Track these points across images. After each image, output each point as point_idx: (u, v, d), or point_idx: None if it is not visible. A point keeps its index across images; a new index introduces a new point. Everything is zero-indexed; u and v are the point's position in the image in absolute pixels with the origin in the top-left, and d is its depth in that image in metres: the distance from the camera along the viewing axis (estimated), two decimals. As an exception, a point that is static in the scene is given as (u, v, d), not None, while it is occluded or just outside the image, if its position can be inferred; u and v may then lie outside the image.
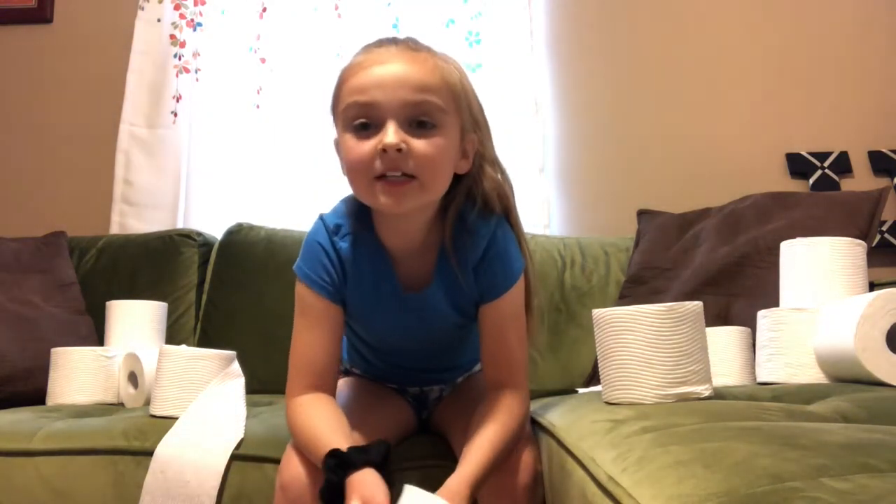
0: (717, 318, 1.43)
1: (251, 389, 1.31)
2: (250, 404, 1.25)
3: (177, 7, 2.21)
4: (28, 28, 2.34)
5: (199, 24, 2.20)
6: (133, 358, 1.44)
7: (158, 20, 2.20)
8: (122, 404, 1.48)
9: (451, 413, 1.13)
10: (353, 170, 0.93)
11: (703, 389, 0.82)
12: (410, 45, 0.95)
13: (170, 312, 1.74)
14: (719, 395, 0.86)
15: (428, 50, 0.96)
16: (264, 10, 2.18)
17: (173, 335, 1.79)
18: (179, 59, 2.19)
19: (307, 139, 2.10)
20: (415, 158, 0.90)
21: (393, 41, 0.95)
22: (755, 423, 0.65)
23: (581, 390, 1.38)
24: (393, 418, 1.13)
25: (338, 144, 0.98)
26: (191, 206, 2.16)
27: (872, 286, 1.21)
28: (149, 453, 1.11)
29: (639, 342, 0.82)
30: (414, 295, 1.02)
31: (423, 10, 2.14)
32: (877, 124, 2.08)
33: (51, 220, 2.09)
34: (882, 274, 1.59)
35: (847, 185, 2.03)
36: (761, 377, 1.17)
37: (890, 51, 2.11)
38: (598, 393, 0.91)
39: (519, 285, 1.01)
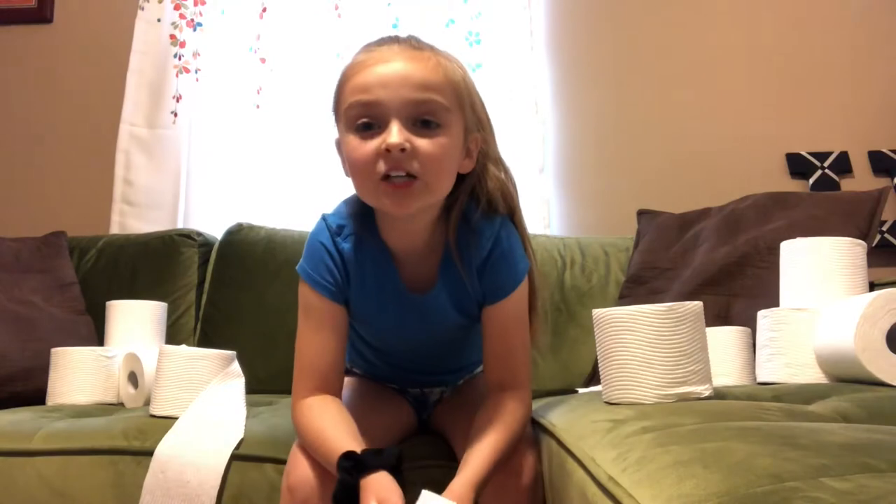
0: (717, 318, 1.43)
1: (251, 389, 1.31)
2: (250, 404, 1.25)
3: (177, 7, 2.21)
4: (28, 28, 2.34)
5: (199, 24, 2.20)
6: (133, 358, 1.44)
7: (158, 20, 2.20)
8: (122, 404, 1.48)
9: (452, 414, 1.13)
10: (357, 170, 0.92)
11: (703, 389, 0.82)
12: (413, 44, 0.94)
13: (170, 312, 1.74)
14: (719, 395, 0.86)
15: (431, 48, 0.95)
16: (264, 10, 2.18)
17: (173, 335, 1.79)
18: (179, 59, 2.19)
19: (307, 139, 2.10)
20: (419, 158, 0.89)
21: (395, 39, 0.94)
22: (755, 423, 0.65)
23: (581, 390, 1.38)
24: (393, 418, 1.13)
25: (339, 145, 0.97)
26: (191, 206, 2.16)
27: (872, 286, 1.21)
28: (149, 453, 1.11)
29: (639, 342, 0.82)
30: (417, 296, 1.02)
31: (423, 10, 2.14)
32: (877, 124, 2.08)
33: (51, 220, 2.09)
34: (882, 274, 1.59)
35: (847, 185, 2.03)
36: (761, 377, 1.17)
37: (890, 51, 2.11)
38: (598, 393, 0.91)
39: (523, 286, 1.00)
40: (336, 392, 0.99)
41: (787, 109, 2.12)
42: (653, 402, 0.80)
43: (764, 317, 1.17)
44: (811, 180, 2.06)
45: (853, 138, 2.08)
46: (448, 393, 1.19)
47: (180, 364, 1.23)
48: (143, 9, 2.21)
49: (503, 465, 0.92)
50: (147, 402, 1.35)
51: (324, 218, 1.02)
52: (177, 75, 2.18)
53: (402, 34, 0.97)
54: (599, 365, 0.88)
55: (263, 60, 2.17)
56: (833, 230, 1.31)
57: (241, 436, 1.13)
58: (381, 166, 0.89)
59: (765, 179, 1.96)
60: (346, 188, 1.00)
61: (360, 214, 1.00)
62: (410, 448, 1.09)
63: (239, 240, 1.92)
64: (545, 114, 2.15)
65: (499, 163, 1.03)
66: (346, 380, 1.18)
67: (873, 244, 1.53)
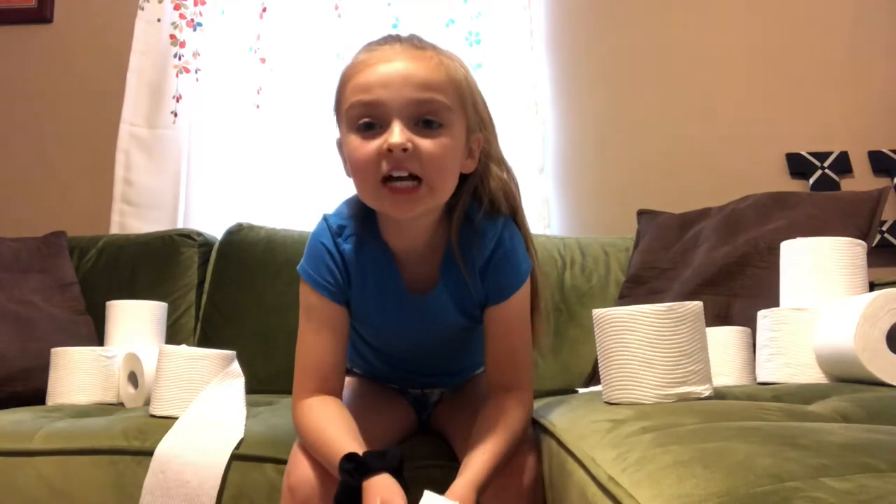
0: (717, 318, 1.43)
1: (251, 389, 1.31)
2: (250, 404, 1.25)
3: (177, 7, 2.21)
4: (28, 28, 2.34)
5: (199, 24, 2.20)
6: (133, 358, 1.44)
7: (158, 20, 2.20)
8: (122, 404, 1.48)
9: (453, 414, 1.13)
10: (358, 171, 0.91)
11: (703, 389, 0.82)
12: (415, 43, 0.93)
13: (170, 312, 1.73)
14: (719, 395, 0.86)
15: (433, 47, 0.94)
16: (264, 10, 2.18)
17: (173, 335, 1.79)
18: (179, 59, 2.19)
19: (307, 139, 2.10)
20: (421, 159, 0.88)
21: (397, 39, 0.94)
22: (755, 423, 0.65)
23: (581, 390, 1.38)
24: (394, 418, 1.13)
25: (340, 145, 0.96)
26: (191, 206, 2.16)
27: (872, 286, 1.21)
28: (149, 453, 1.11)
29: (639, 342, 0.82)
30: (419, 297, 1.01)
31: (423, 10, 2.14)
32: (877, 124, 2.08)
33: (51, 220, 2.09)
34: (882, 274, 1.59)
35: (847, 185, 2.03)
36: (761, 377, 1.17)
37: (890, 51, 2.11)
38: (598, 393, 0.91)
39: (525, 287, 1.00)
40: (337, 393, 0.99)
41: (787, 109, 2.12)
42: (653, 402, 0.80)
43: (764, 317, 1.17)
44: (811, 180, 2.06)
45: (853, 138, 2.08)
46: (448, 393, 1.19)
47: (180, 364, 1.23)
48: (143, 9, 2.21)
49: (504, 465, 0.92)
50: (147, 402, 1.35)
51: (325, 218, 1.02)
52: (177, 75, 2.18)
53: (404, 34, 0.97)
54: (599, 365, 0.88)
55: (263, 60, 2.17)
56: (833, 230, 1.31)
57: (241, 436, 1.13)
58: (383, 166, 0.88)
59: (765, 179, 1.96)
60: (346, 188, 1.00)
61: (361, 215, 1.00)
62: (410, 448, 1.09)
63: (239, 240, 1.92)
64: (545, 114, 2.15)
65: (501, 163, 1.02)
66: (347, 380, 1.18)
67: (873, 244, 1.53)
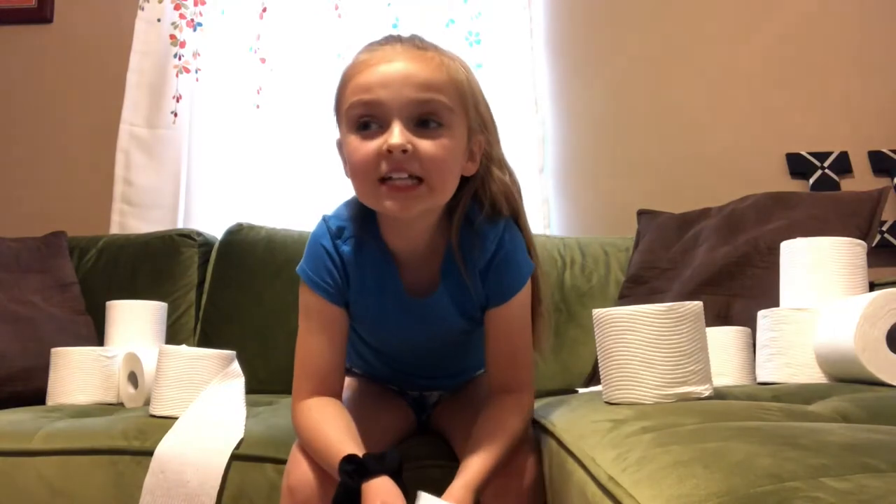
0: (717, 318, 1.43)
1: (251, 389, 1.31)
2: (250, 404, 1.25)
3: (177, 7, 2.21)
4: (28, 28, 2.34)
5: (199, 24, 2.20)
6: (133, 358, 1.44)
7: (158, 20, 2.20)
8: (122, 404, 1.48)
9: (452, 414, 1.12)
10: (357, 171, 0.90)
11: (703, 389, 0.82)
12: (416, 43, 0.92)
13: (170, 312, 1.74)
14: (719, 395, 0.86)
15: (434, 48, 0.93)
16: (264, 10, 2.18)
17: (173, 335, 1.79)
18: (179, 59, 2.19)
19: (307, 139, 2.10)
20: (421, 160, 0.88)
21: (398, 39, 0.93)
22: (755, 423, 0.65)
23: (581, 390, 1.38)
24: (393, 419, 1.12)
25: (340, 146, 0.95)
26: (191, 206, 2.16)
27: (872, 286, 1.21)
28: (149, 453, 1.11)
29: (639, 342, 0.82)
30: (419, 300, 1.01)
31: (423, 10, 2.14)
32: (877, 124, 2.08)
33: (51, 220, 2.09)
34: (882, 274, 1.59)
35: (847, 185, 2.03)
36: (761, 377, 1.17)
37: (890, 51, 2.11)
38: (598, 393, 0.91)
39: (526, 289, 0.99)
40: (336, 394, 0.99)
41: (787, 109, 2.12)
42: (653, 402, 0.80)
43: (764, 317, 1.17)
44: (811, 180, 2.06)
45: (853, 138, 2.08)
46: (446, 395, 1.19)
47: (180, 364, 1.23)
48: (143, 9, 2.21)
49: (504, 466, 0.92)
50: (147, 402, 1.35)
51: (325, 219, 1.01)
52: (177, 75, 2.18)
53: (405, 34, 0.96)
54: (599, 365, 0.88)
55: (263, 60, 2.17)
56: (833, 230, 1.31)
57: (241, 436, 1.13)
58: (383, 167, 0.88)
59: (765, 179, 1.96)
60: (346, 188, 0.99)
61: (361, 216, 0.99)
62: (410, 449, 1.09)
63: (239, 240, 1.92)
64: (545, 114, 2.15)
65: (503, 165, 1.01)
66: (346, 380, 1.18)
67: (873, 244, 1.53)
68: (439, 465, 1.04)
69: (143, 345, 1.53)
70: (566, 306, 1.78)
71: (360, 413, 1.00)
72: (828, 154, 2.07)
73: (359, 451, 0.86)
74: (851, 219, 1.45)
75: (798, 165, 2.08)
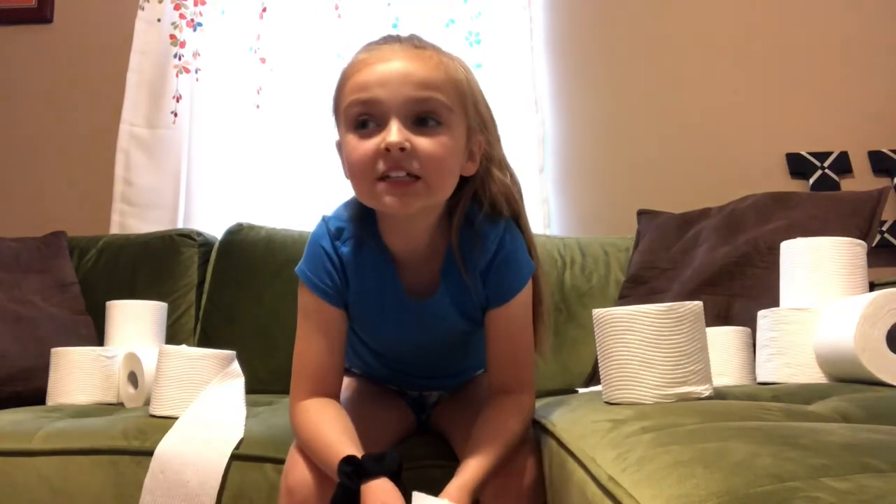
0: (717, 318, 1.43)
1: (251, 389, 1.31)
2: (250, 404, 1.25)
3: (177, 7, 2.21)
4: (28, 28, 2.34)
5: (199, 24, 2.20)
6: (133, 358, 1.44)
7: (158, 20, 2.20)
8: (122, 404, 1.48)
9: (452, 413, 1.12)
10: (356, 170, 0.90)
11: (703, 389, 0.82)
12: (415, 43, 0.92)
13: (170, 312, 1.74)
14: (719, 395, 0.86)
15: (433, 47, 0.93)
16: (264, 10, 2.18)
17: (173, 335, 1.79)
18: (179, 59, 2.19)
19: (307, 139, 2.10)
20: (419, 158, 0.87)
21: (396, 38, 0.93)
22: (755, 423, 0.65)
23: (581, 390, 1.38)
24: (392, 419, 1.12)
25: (339, 146, 0.95)
26: (191, 206, 2.16)
27: (872, 286, 1.21)
28: (149, 453, 1.11)
29: (639, 342, 0.82)
30: (419, 301, 1.00)
31: (423, 10, 2.14)
32: (877, 124, 2.08)
33: (51, 220, 2.10)
34: (882, 274, 1.59)
35: (847, 185, 2.03)
36: (761, 377, 1.17)
37: (890, 51, 2.11)
38: (598, 393, 0.91)
39: (527, 289, 0.99)
40: (334, 395, 0.99)
41: (787, 109, 2.12)
42: (653, 402, 0.80)
43: (764, 317, 1.17)
44: (811, 180, 2.06)
45: (853, 138, 2.08)
46: (446, 396, 1.19)
47: (180, 364, 1.23)
48: (143, 9, 2.21)
49: (504, 466, 0.92)
50: (147, 402, 1.35)
51: (324, 220, 1.01)
52: (177, 75, 2.18)
53: (404, 34, 0.96)
54: (599, 365, 0.88)
55: (263, 60, 2.17)
56: (833, 230, 1.31)
57: (241, 436, 1.13)
58: (381, 166, 0.87)
59: (765, 179, 1.96)
60: (346, 188, 0.99)
61: (360, 217, 0.99)
62: (410, 449, 1.09)
63: (239, 240, 1.92)
64: (545, 114, 2.15)
65: (503, 166, 1.01)
66: (346, 380, 1.18)
67: (873, 244, 1.53)
68: (439, 465, 1.04)
69: (143, 345, 1.53)
70: (566, 306, 1.78)
71: (359, 413, 1.00)
72: (828, 154, 2.07)
73: (357, 452, 0.86)
74: (851, 219, 1.45)
75: (798, 165, 2.08)
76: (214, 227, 2.05)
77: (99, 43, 2.29)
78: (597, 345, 0.88)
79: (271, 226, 1.97)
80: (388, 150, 0.86)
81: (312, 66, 2.14)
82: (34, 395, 1.51)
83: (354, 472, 0.83)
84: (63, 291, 1.84)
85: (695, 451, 0.56)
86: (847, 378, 1.03)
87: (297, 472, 0.92)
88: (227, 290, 1.87)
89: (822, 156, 2.07)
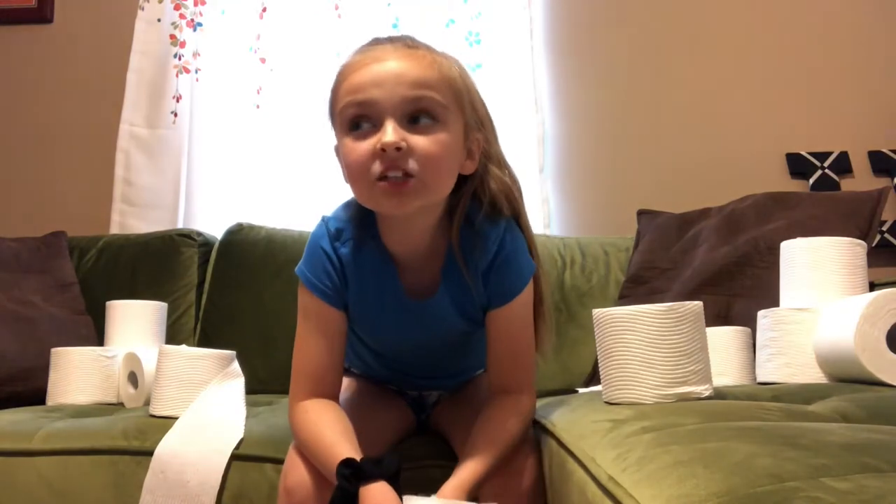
0: (717, 318, 1.43)
1: (251, 389, 1.31)
2: (250, 404, 1.25)
3: (177, 7, 2.21)
4: (28, 28, 2.34)
5: (199, 24, 2.20)
6: (133, 358, 1.44)
7: (158, 20, 2.20)
8: (122, 404, 1.48)
9: (452, 413, 1.12)
10: (353, 172, 0.90)
11: (703, 389, 0.82)
12: (408, 43, 0.92)
13: (170, 312, 1.74)
14: (719, 395, 0.86)
15: (426, 47, 0.93)
16: (264, 10, 2.18)
17: (173, 335, 1.79)
18: (179, 59, 2.19)
19: (307, 139, 2.10)
20: (416, 156, 0.87)
21: (389, 40, 0.93)
22: (755, 423, 0.65)
23: (581, 390, 1.38)
24: (392, 419, 1.12)
25: (338, 151, 0.95)
26: (191, 206, 2.16)
27: (872, 286, 1.21)
28: (149, 453, 1.11)
29: (639, 342, 0.82)
30: (419, 302, 1.00)
31: (423, 10, 2.14)
32: (877, 124, 2.08)
33: (51, 220, 2.10)
34: (882, 274, 1.59)
35: (847, 185, 2.03)
36: (761, 377, 1.17)
37: (890, 51, 2.11)
38: (598, 393, 0.91)
39: (528, 289, 0.99)
40: (333, 396, 0.99)
41: (787, 109, 2.12)
42: (653, 402, 0.80)
43: (764, 317, 1.17)
44: (811, 180, 2.06)
45: (853, 138, 2.08)
46: (446, 395, 1.19)
47: (180, 364, 1.23)
48: (143, 9, 2.21)
49: (504, 466, 0.92)
50: (147, 402, 1.35)
51: (324, 220, 1.01)
52: (177, 75, 2.18)
53: (397, 34, 0.96)
54: (599, 365, 0.88)
55: (263, 60, 2.17)
56: (833, 230, 1.31)
57: (241, 436, 1.13)
58: (377, 166, 0.87)
59: (765, 179, 1.96)
60: (346, 188, 0.99)
61: (360, 218, 0.99)
62: (409, 448, 1.09)
63: (239, 240, 1.92)
64: (545, 114, 2.15)
65: (502, 164, 1.01)
66: (345, 380, 1.17)
67: (873, 244, 1.53)
68: (439, 465, 1.04)
69: (143, 345, 1.53)
70: (566, 306, 1.78)
71: (359, 413, 1.00)
72: (828, 154, 2.07)
73: (356, 455, 0.86)
74: (851, 219, 1.45)
75: (798, 165, 2.08)
76: (214, 227, 2.05)
77: (99, 43, 2.30)
78: (597, 345, 0.88)
79: (271, 226, 1.97)
80: (384, 150, 0.86)
81: (312, 66, 2.14)
82: (34, 395, 1.51)
83: (353, 475, 0.83)
84: (63, 291, 1.84)
85: (695, 451, 0.56)
86: (847, 378, 1.03)
87: (296, 472, 0.92)
88: (227, 290, 1.87)
89: (822, 156, 2.07)
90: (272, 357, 1.72)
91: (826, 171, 2.05)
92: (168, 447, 1.11)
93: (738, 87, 2.14)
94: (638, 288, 1.67)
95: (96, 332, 1.74)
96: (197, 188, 2.16)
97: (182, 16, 2.20)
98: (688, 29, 2.18)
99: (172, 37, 2.20)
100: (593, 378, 1.60)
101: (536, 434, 0.99)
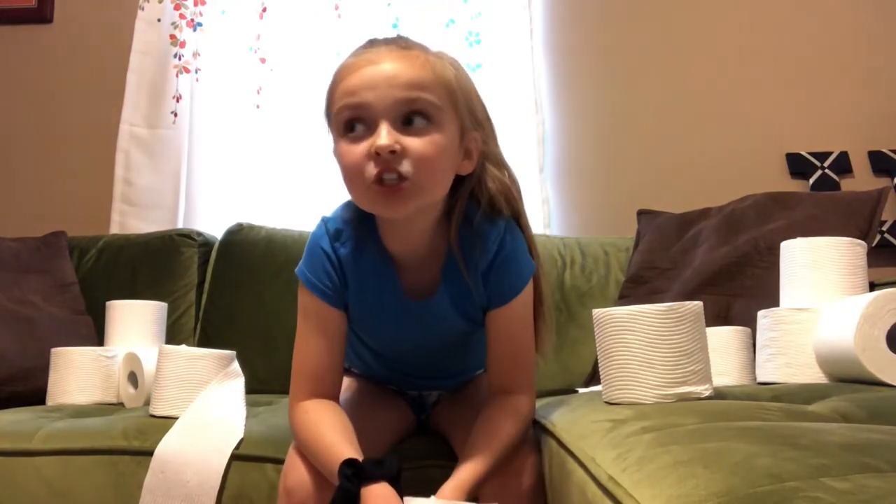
0: (717, 318, 1.43)
1: (251, 389, 1.31)
2: (250, 404, 1.25)
3: (177, 7, 2.21)
4: (28, 28, 2.34)
5: (199, 24, 2.21)
6: (133, 358, 1.44)
7: (158, 20, 2.20)
8: (122, 404, 1.48)
9: (452, 413, 1.12)
10: (349, 176, 0.90)
11: (703, 389, 0.82)
12: (401, 44, 0.92)
13: (170, 312, 1.74)
14: (719, 395, 0.86)
15: (420, 47, 0.93)
16: (264, 10, 2.18)
17: (173, 335, 1.79)
18: (179, 59, 2.19)
19: (307, 139, 2.10)
20: (410, 158, 0.87)
21: (383, 41, 0.93)
22: (755, 423, 0.65)
23: (581, 390, 1.38)
24: (392, 419, 1.12)
25: (337, 154, 0.95)
26: (191, 206, 2.16)
27: (872, 286, 1.21)
28: (149, 453, 1.11)
29: (639, 342, 0.82)
30: (419, 302, 1.00)
31: (423, 10, 2.14)
32: (877, 124, 2.08)
33: (51, 220, 2.10)
34: (882, 274, 1.59)
35: (847, 185, 2.03)
36: (761, 377, 1.17)
37: (890, 51, 2.11)
38: (598, 393, 0.91)
39: (528, 289, 0.99)
40: (334, 396, 0.99)
41: (787, 109, 2.12)
42: (653, 402, 0.80)
43: (764, 317, 1.17)
44: (811, 180, 2.06)
45: (853, 138, 2.08)
46: (446, 395, 1.19)
47: (180, 364, 1.23)
48: (143, 9, 2.21)
49: (504, 466, 0.92)
50: (147, 402, 1.35)
51: (324, 221, 1.01)
52: (177, 75, 2.18)
53: (393, 35, 0.96)
54: (599, 365, 0.88)
55: (263, 60, 2.17)
56: (833, 230, 1.31)
57: (241, 436, 1.13)
58: (372, 169, 0.87)
59: (765, 179, 1.96)
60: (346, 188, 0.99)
61: (359, 218, 0.99)
62: (409, 448, 1.09)
63: (239, 240, 1.93)
64: (545, 114, 2.15)
65: (501, 164, 1.00)
66: (345, 380, 1.17)
67: (873, 244, 1.53)
68: (439, 465, 1.04)
69: (143, 345, 1.53)
70: (566, 306, 1.78)
71: (359, 413, 1.00)
72: (828, 154, 2.07)
73: (356, 455, 0.86)
74: (851, 219, 1.45)
75: (798, 165, 2.08)
76: (214, 227, 2.05)
77: (99, 43, 2.29)
78: (597, 345, 0.88)
79: (271, 226, 1.97)
80: (378, 153, 0.86)
81: (312, 66, 2.14)
82: (34, 395, 1.51)
83: (355, 476, 0.83)
84: (63, 291, 1.84)
85: (695, 451, 0.56)
86: (847, 378, 1.03)
87: (296, 473, 0.92)
88: (227, 290, 1.87)
89: (822, 156, 2.07)
90: (272, 357, 1.72)
91: (826, 171, 2.05)
92: (168, 447, 1.11)
93: (738, 87, 2.14)
94: (638, 288, 1.67)
95: (96, 332, 1.74)
96: (197, 188, 2.16)
97: (182, 16, 2.20)
98: (688, 29, 2.18)
99: (172, 37, 2.20)
100: (593, 378, 1.60)
101: (536, 434, 0.99)
